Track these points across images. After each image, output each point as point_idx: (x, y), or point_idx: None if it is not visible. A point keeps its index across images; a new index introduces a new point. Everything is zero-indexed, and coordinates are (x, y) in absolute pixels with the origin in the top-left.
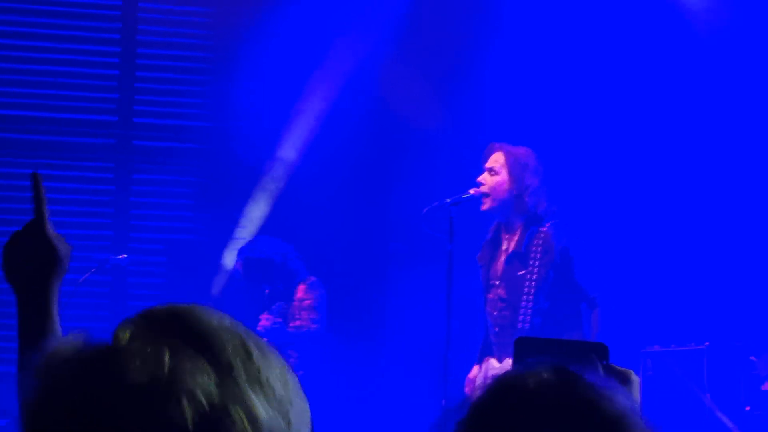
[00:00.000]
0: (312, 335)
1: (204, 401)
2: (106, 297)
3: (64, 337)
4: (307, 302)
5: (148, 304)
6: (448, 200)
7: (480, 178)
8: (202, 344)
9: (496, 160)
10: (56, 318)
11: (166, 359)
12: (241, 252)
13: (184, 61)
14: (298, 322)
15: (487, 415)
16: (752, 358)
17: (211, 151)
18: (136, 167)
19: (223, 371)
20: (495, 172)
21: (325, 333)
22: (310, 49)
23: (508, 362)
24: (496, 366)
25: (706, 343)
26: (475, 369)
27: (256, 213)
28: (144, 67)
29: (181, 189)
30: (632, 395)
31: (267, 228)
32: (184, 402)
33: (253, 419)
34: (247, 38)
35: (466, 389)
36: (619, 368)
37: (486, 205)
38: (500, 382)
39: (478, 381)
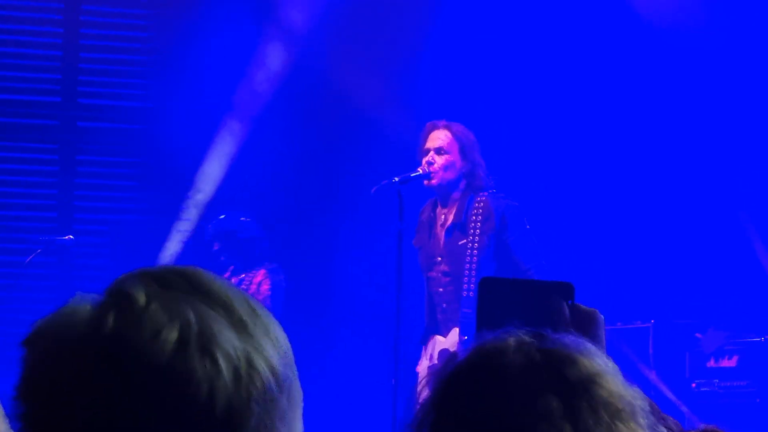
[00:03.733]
0: None
1: (233, 354)
2: (51, 278)
3: (70, 303)
4: (264, 287)
5: (94, 285)
6: (397, 179)
7: (428, 158)
8: (215, 301)
9: (442, 138)
10: None
11: (192, 317)
12: (215, 223)
13: (128, 41)
14: None
15: (463, 389)
16: (697, 335)
17: (155, 132)
18: (80, 148)
19: (238, 326)
20: (444, 151)
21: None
22: (254, 30)
23: (455, 333)
24: (442, 340)
25: (652, 321)
26: (423, 357)
27: (200, 194)
28: (87, 47)
29: (125, 170)
30: (599, 335)
31: (213, 207)
32: (219, 357)
33: (273, 369)
34: (191, 18)
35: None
36: (585, 307)
37: (435, 181)
38: (476, 355)
39: (425, 362)
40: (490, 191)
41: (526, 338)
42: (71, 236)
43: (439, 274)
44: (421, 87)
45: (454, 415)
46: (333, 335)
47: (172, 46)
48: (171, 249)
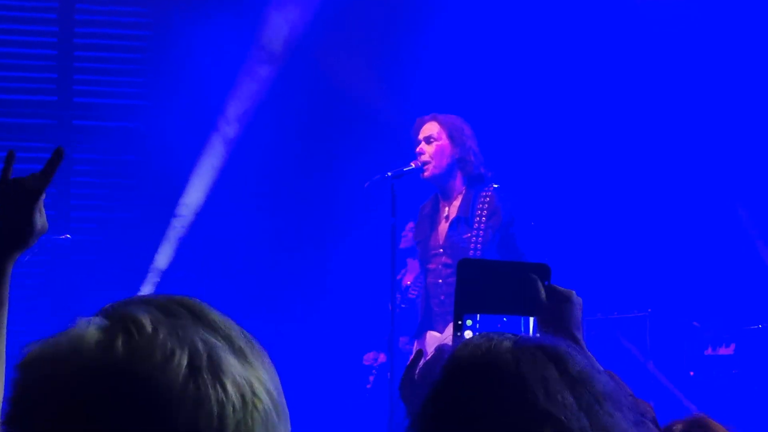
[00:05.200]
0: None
1: (240, 381)
2: (47, 276)
3: (71, 327)
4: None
5: (90, 283)
6: (390, 173)
7: (419, 149)
8: (216, 330)
9: (431, 129)
10: (3, 294)
11: (200, 344)
12: None
13: (123, 39)
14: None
15: (450, 393)
16: (695, 323)
17: (151, 130)
18: (76, 147)
19: (239, 355)
20: (434, 139)
21: None
22: (248, 25)
23: (451, 328)
24: (437, 336)
25: (649, 310)
26: (415, 346)
27: (196, 190)
28: (82, 46)
29: (121, 168)
30: (575, 315)
31: (208, 203)
32: (228, 383)
33: (272, 397)
34: (186, 16)
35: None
36: (561, 288)
37: (428, 172)
38: (459, 361)
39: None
40: (496, 186)
41: (513, 337)
42: (68, 235)
43: (440, 266)
44: (416, 81)
45: (456, 413)
46: (327, 331)
47: (167, 44)
48: (167, 247)
